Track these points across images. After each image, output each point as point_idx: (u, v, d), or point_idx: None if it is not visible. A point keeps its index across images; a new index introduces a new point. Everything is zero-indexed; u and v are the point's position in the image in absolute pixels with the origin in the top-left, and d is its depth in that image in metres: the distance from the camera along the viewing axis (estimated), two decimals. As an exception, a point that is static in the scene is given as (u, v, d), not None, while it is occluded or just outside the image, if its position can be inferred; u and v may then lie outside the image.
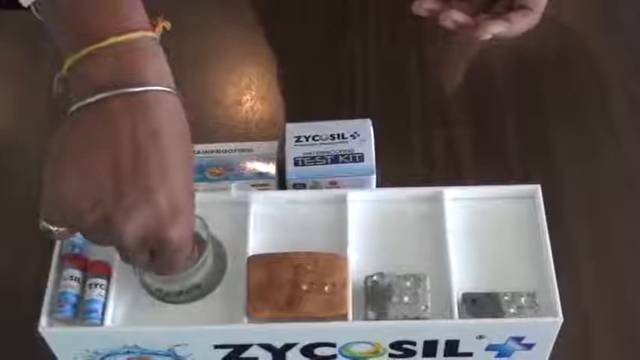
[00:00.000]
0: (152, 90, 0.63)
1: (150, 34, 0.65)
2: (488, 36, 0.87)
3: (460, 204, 0.78)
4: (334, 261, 0.73)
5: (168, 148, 0.63)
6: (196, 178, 0.84)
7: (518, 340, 0.73)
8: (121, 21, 0.64)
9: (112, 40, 0.63)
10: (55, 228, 0.66)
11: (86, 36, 0.63)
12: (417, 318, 0.71)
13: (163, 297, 0.74)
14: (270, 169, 0.86)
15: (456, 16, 0.88)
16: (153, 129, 0.63)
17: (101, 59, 0.63)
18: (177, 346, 0.73)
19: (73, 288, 0.73)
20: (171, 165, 0.63)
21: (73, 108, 0.63)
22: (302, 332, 0.72)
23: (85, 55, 0.63)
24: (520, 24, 0.89)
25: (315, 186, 0.84)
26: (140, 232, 0.63)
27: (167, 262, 0.67)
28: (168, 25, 0.65)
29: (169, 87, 0.64)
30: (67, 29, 0.64)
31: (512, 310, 0.71)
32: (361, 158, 0.84)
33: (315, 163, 0.84)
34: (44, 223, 0.65)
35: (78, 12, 0.64)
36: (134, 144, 0.62)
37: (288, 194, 0.82)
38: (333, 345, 0.73)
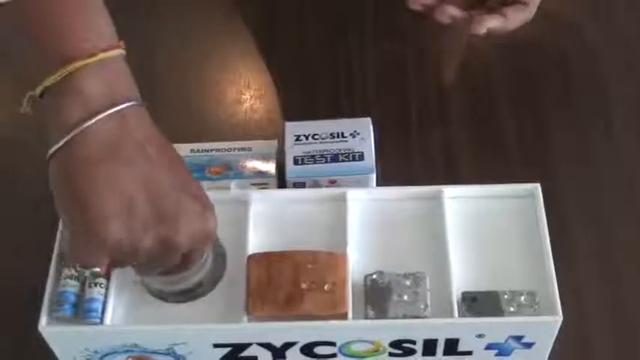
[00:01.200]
0: (134, 104, 0.64)
1: (121, 50, 0.65)
2: (483, 30, 0.88)
3: (460, 203, 0.78)
4: (334, 260, 0.73)
5: (170, 152, 0.66)
6: (196, 177, 0.84)
7: (518, 339, 0.73)
8: (104, 36, 0.64)
9: (94, 58, 0.62)
10: (98, 269, 0.65)
11: (64, 56, 0.62)
12: (417, 317, 0.71)
13: (163, 296, 0.74)
14: (270, 167, 0.86)
15: (452, 11, 0.88)
16: (154, 140, 0.64)
17: (85, 78, 0.62)
18: (177, 344, 0.72)
19: (72, 287, 0.73)
20: (178, 166, 0.66)
21: (63, 141, 0.62)
22: (302, 331, 0.72)
23: (68, 75, 0.62)
24: (515, 19, 0.89)
25: (315, 185, 0.84)
26: (190, 235, 0.64)
27: (198, 256, 0.69)
28: (122, 44, 0.65)
29: (139, 97, 0.65)
30: (39, 49, 0.63)
31: (511, 309, 0.71)
32: (361, 157, 0.84)
33: (314, 162, 0.84)
34: (90, 270, 0.65)
35: (59, 28, 0.63)
36: (148, 158, 0.63)
37: (288, 193, 0.82)
38: (332, 344, 0.73)
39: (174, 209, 0.63)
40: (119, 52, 0.64)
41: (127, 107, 0.63)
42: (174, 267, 0.68)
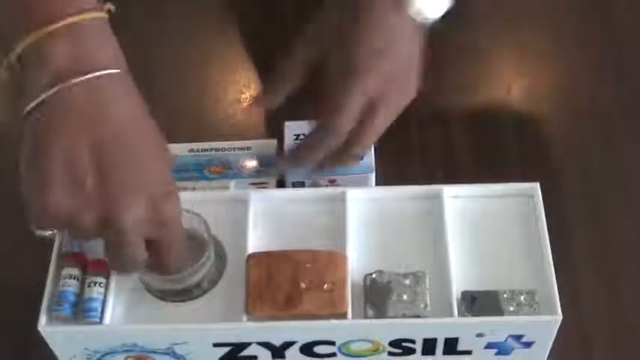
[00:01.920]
0: (114, 73, 0.62)
1: (102, 14, 0.63)
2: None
3: (459, 202, 0.78)
4: (333, 259, 0.73)
5: (145, 131, 0.63)
6: (196, 176, 0.85)
7: (518, 338, 0.73)
8: (75, 1, 0.62)
9: (70, 20, 0.61)
10: (50, 232, 0.65)
11: (39, 17, 0.61)
12: (417, 316, 0.71)
13: (163, 296, 0.74)
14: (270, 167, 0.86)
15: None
16: (131, 114, 0.62)
17: (59, 41, 0.61)
18: (177, 344, 0.72)
19: (72, 286, 0.73)
20: (147, 144, 0.63)
21: (34, 103, 0.61)
22: (301, 330, 0.72)
23: (42, 37, 0.60)
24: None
25: (315, 184, 0.84)
26: (138, 216, 0.62)
27: (166, 255, 0.66)
28: (112, 7, 0.64)
29: (124, 68, 0.64)
30: (15, 11, 0.62)
31: (511, 308, 0.71)
32: (360, 156, 0.84)
33: (314, 162, 0.84)
34: (39, 231, 0.65)
35: None
36: (110, 131, 0.61)
37: (288, 192, 0.82)
38: (332, 343, 0.73)
39: (124, 187, 0.61)
40: (101, 14, 0.63)
41: (105, 75, 0.61)
42: (158, 263, 0.67)
